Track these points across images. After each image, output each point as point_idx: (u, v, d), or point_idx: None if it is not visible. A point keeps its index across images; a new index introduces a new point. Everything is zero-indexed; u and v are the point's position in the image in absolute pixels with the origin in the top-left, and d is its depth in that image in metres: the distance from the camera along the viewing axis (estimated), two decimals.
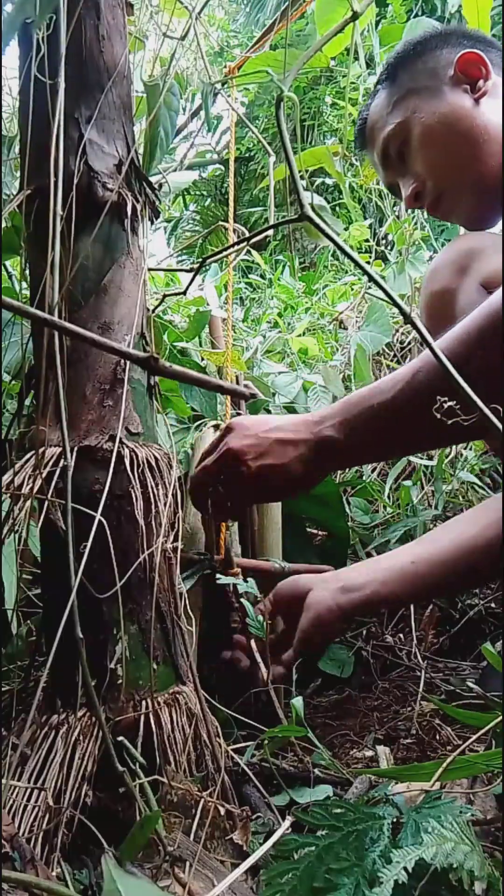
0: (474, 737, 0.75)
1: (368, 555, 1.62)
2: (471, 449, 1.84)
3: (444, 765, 0.67)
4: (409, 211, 2.59)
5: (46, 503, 0.76)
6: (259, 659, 1.05)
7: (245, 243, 0.79)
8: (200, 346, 1.56)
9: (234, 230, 1.35)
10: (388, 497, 1.79)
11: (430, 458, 1.84)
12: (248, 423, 0.96)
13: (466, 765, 0.69)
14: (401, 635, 1.48)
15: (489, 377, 0.77)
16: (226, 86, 1.23)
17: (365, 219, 2.82)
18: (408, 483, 1.70)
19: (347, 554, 1.57)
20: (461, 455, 1.88)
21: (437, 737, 1.02)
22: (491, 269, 1.09)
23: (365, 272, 0.53)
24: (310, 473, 0.93)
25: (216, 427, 1.31)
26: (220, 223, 1.20)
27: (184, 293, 1.02)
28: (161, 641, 0.82)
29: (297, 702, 0.86)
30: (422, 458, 1.90)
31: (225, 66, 1.34)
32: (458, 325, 0.83)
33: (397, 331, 2.34)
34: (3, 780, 0.68)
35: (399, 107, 1.17)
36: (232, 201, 1.33)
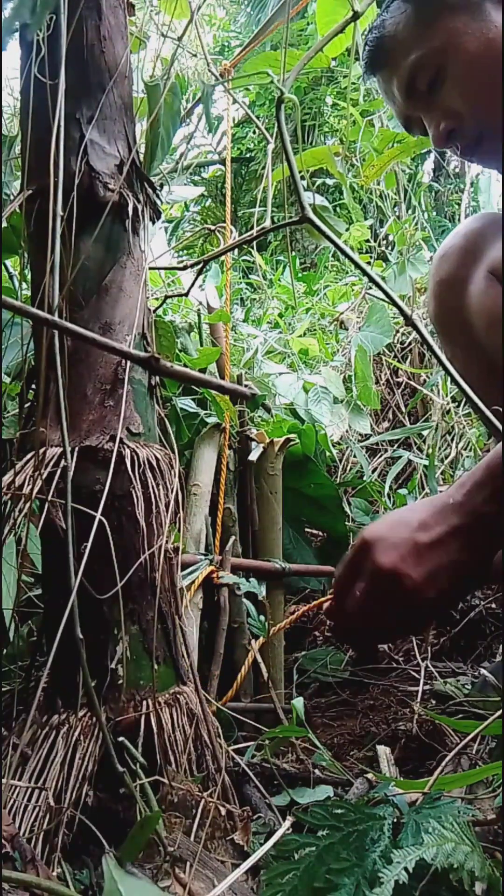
0: (465, 740, 0.76)
1: None
2: (469, 450, 1.84)
3: (434, 776, 0.68)
4: (410, 211, 2.59)
5: (47, 504, 0.76)
6: (259, 659, 1.05)
7: (243, 243, 0.79)
8: (201, 345, 1.56)
9: (231, 231, 1.35)
10: (388, 497, 1.79)
11: (427, 458, 1.84)
12: (385, 532, 0.80)
13: (464, 777, 0.69)
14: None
15: None
16: (227, 83, 1.22)
17: (366, 219, 2.82)
18: (403, 491, 1.70)
19: None
20: (461, 455, 1.88)
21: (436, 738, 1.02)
22: (501, 255, 0.97)
23: (365, 273, 0.53)
24: (478, 562, 0.79)
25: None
26: (217, 226, 1.20)
27: (185, 294, 1.03)
28: (162, 641, 0.82)
29: (298, 702, 0.86)
30: (422, 459, 1.90)
31: (222, 66, 1.32)
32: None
33: (398, 331, 2.35)
34: (4, 780, 0.68)
35: (432, 27, 0.94)
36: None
